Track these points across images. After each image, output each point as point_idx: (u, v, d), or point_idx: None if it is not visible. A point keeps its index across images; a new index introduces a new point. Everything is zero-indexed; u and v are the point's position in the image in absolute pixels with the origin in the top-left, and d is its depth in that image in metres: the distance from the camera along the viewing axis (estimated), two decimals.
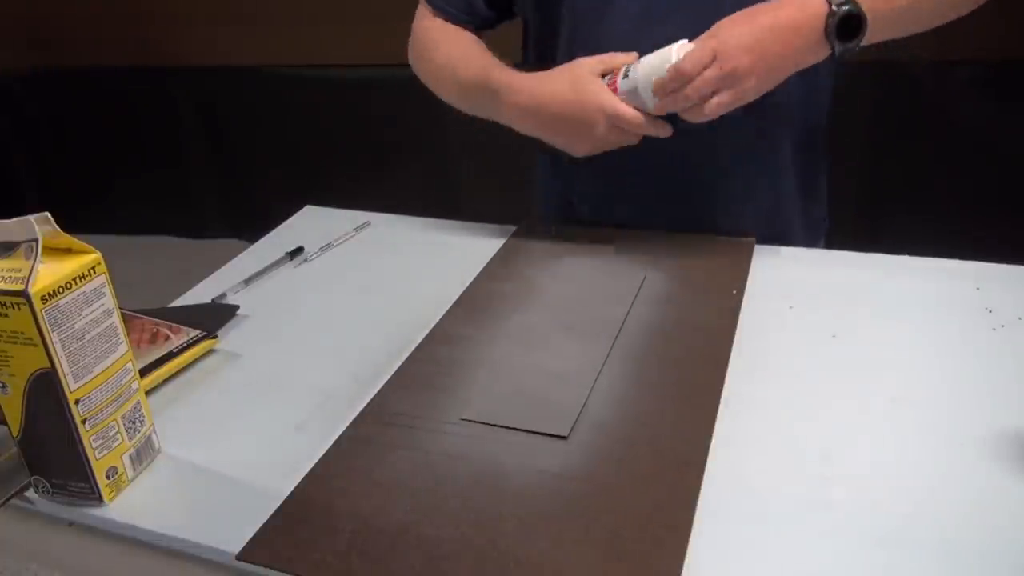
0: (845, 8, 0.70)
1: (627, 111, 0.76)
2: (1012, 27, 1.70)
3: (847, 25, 0.71)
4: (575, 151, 0.82)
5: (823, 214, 0.97)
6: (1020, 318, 0.69)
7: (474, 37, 0.91)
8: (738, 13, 0.73)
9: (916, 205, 2.01)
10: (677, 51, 0.73)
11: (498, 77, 0.83)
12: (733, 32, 0.72)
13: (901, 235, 2.01)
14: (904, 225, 2.00)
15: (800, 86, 0.79)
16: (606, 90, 0.77)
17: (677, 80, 0.72)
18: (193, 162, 2.73)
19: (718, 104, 0.72)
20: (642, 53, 0.77)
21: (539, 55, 0.90)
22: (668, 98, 0.74)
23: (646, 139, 0.79)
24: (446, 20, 0.92)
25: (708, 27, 0.74)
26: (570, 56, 0.81)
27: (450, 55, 0.90)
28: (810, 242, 0.94)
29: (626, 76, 0.76)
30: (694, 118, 0.75)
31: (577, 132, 0.79)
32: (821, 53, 0.73)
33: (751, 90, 0.73)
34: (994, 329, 0.68)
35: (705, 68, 0.71)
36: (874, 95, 1.93)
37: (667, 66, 0.73)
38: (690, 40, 0.74)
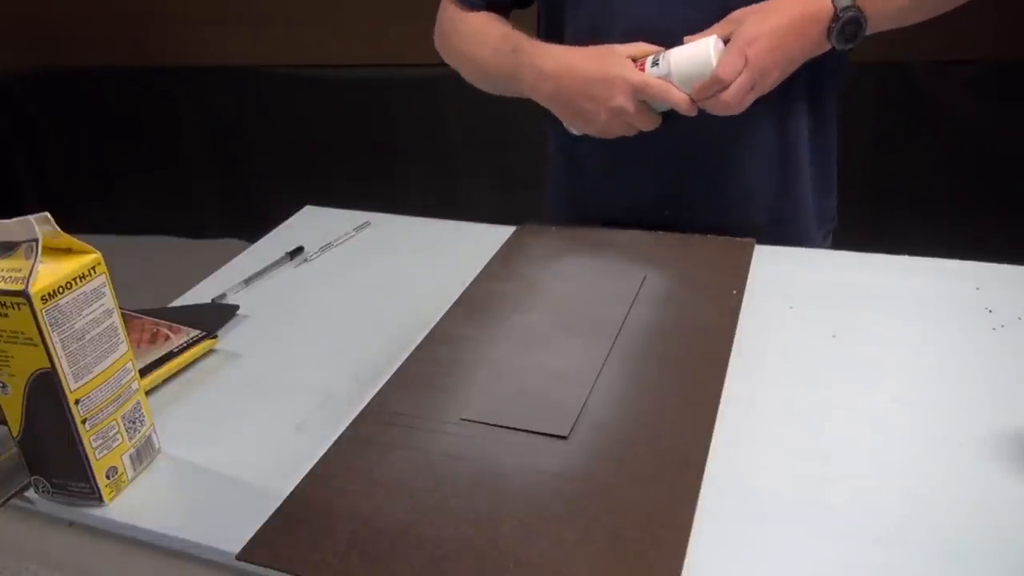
0: (849, 14, 0.75)
1: (654, 80, 0.76)
2: (1012, 28, 1.70)
3: (848, 27, 0.75)
4: (587, 124, 0.81)
5: (833, 203, 0.98)
6: (1020, 318, 0.69)
7: (497, 15, 0.93)
8: (751, 10, 0.77)
9: (916, 205, 2.01)
10: (714, 51, 0.75)
11: (523, 41, 0.85)
12: (759, 32, 0.75)
13: (901, 235, 2.02)
14: (904, 225, 2.01)
15: (810, 69, 0.81)
16: (633, 67, 0.77)
17: (717, 86, 0.75)
18: (193, 162, 2.73)
19: (748, 101, 0.77)
20: (649, 34, 0.79)
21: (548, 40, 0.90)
22: (705, 101, 0.77)
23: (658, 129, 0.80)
24: (467, 9, 0.93)
25: (715, 9, 0.78)
26: (577, 41, 0.82)
27: (474, 28, 0.92)
28: (820, 227, 0.95)
29: (655, 64, 0.77)
30: (725, 114, 0.77)
31: (594, 101, 0.78)
32: (824, 47, 0.78)
33: (772, 83, 0.77)
34: (994, 329, 0.68)
35: (739, 73, 0.74)
36: (875, 95, 1.93)
37: (706, 64, 0.75)
38: (700, 24, 0.77)
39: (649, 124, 0.80)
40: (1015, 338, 0.67)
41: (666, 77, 0.76)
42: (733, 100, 0.75)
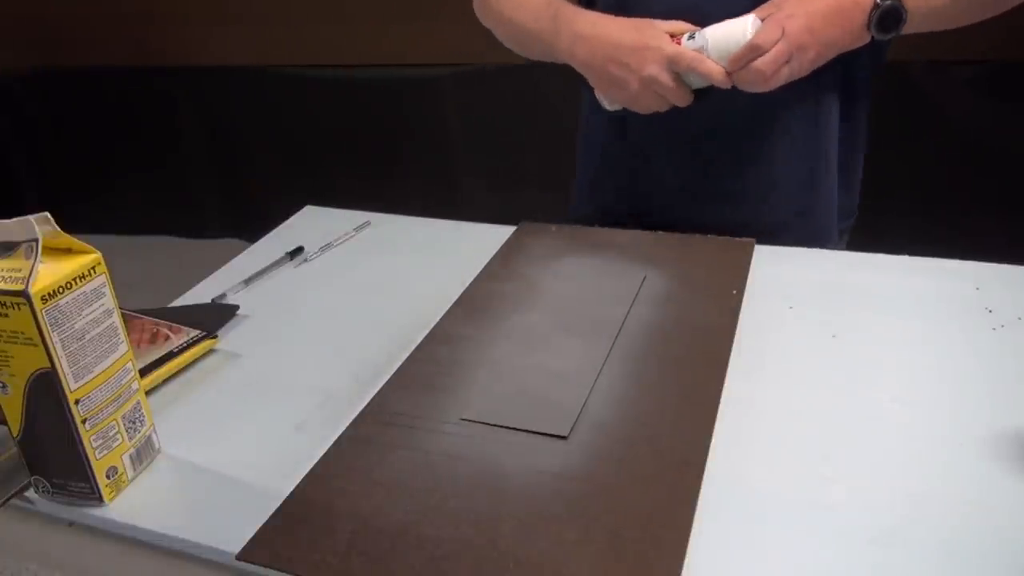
0: (888, 3, 0.75)
1: (688, 51, 0.77)
2: (1012, 28, 1.70)
3: (888, 17, 0.76)
4: (619, 92, 0.81)
5: (855, 200, 0.98)
6: (1020, 318, 0.69)
7: None
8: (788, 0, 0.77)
9: (916, 205, 2.01)
10: (752, 27, 0.76)
11: (564, 8, 0.86)
12: (798, 11, 0.75)
13: (901, 235, 2.01)
14: (904, 225, 2.00)
15: (845, 62, 0.82)
16: (669, 39, 0.78)
17: (752, 54, 0.75)
18: (193, 162, 2.73)
19: (782, 77, 0.76)
20: (685, 16, 0.80)
21: None
22: (739, 72, 0.76)
23: (690, 111, 0.80)
24: None
25: None
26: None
27: None
28: (840, 222, 0.95)
29: (691, 38, 0.78)
30: (758, 89, 0.77)
31: (627, 68, 0.78)
32: (864, 39, 0.78)
33: (808, 64, 0.77)
34: (994, 329, 0.68)
35: (776, 44, 0.74)
36: (874, 95, 1.93)
37: (743, 41, 0.75)
38: (734, 7, 0.78)
39: (681, 98, 0.79)
40: (1015, 338, 0.67)
41: (701, 51, 0.77)
42: (767, 68, 0.75)
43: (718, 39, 0.77)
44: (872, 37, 0.78)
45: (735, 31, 0.76)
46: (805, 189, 0.91)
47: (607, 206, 1.00)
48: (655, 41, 0.77)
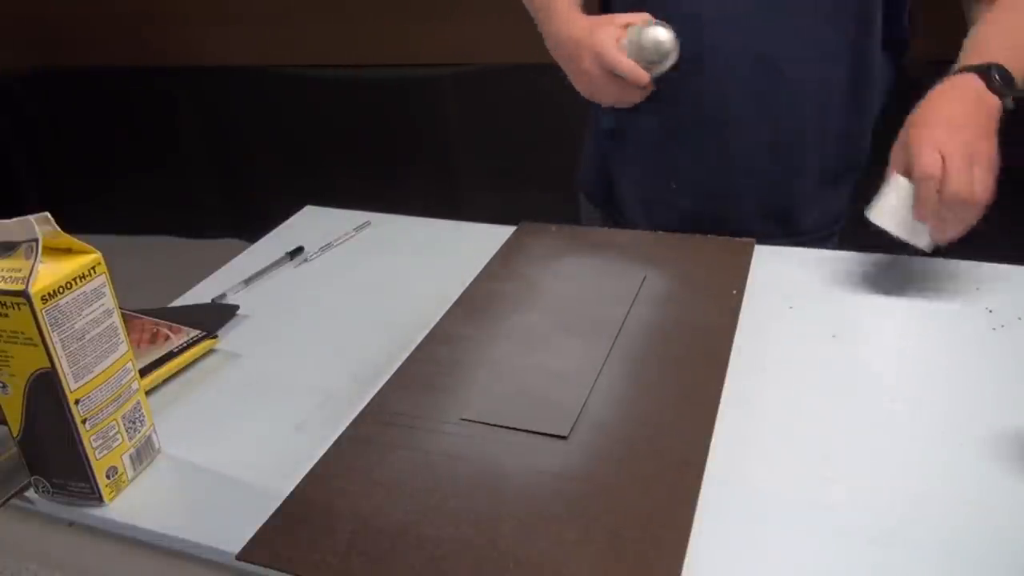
0: (994, 70, 0.73)
1: (609, 50, 0.80)
2: None
3: (1001, 74, 0.74)
4: (573, 81, 0.87)
5: (842, 206, 0.97)
6: (1020, 318, 0.69)
7: None
8: (911, 124, 0.73)
9: None
10: (902, 180, 0.71)
11: (558, 2, 0.90)
12: (925, 126, 0.71)
13: None
14: None
15: (852, 68, 0.84)
16: (608, 39, 0.81)
17: (928, 186, 0.67)
18: (193, 162, 2.73)
19: (979, 181, 0.69)
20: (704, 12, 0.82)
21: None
22: (938, 211, 0.68)
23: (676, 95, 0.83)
24: None
25: None
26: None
27: None
28: (821, 227, 0.95)
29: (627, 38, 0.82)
30: (971, 214, 0.70)
31: (572, 62, 0.85)
32: (998, 108, 0.74)
33: (985, 159, 0.70)
34: (994, 329, 0.68)
35: (941, 159, 0.67)
36: None
37: (906, 192, 0.69)
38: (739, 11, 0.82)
39: (608, 96, 0.84)
40: (1015, 338, 0.67)
41: (625, 48, 0.81)
42: (960, 186, 0.66)
43: (884, 208, 0.71)
44: (1004, 101, 0.73)
45: (895, 188, 0.71)
46: (785, 193, 0.90)
47: (602, 175, 1.01)
48: (592, 39, 0.81)
